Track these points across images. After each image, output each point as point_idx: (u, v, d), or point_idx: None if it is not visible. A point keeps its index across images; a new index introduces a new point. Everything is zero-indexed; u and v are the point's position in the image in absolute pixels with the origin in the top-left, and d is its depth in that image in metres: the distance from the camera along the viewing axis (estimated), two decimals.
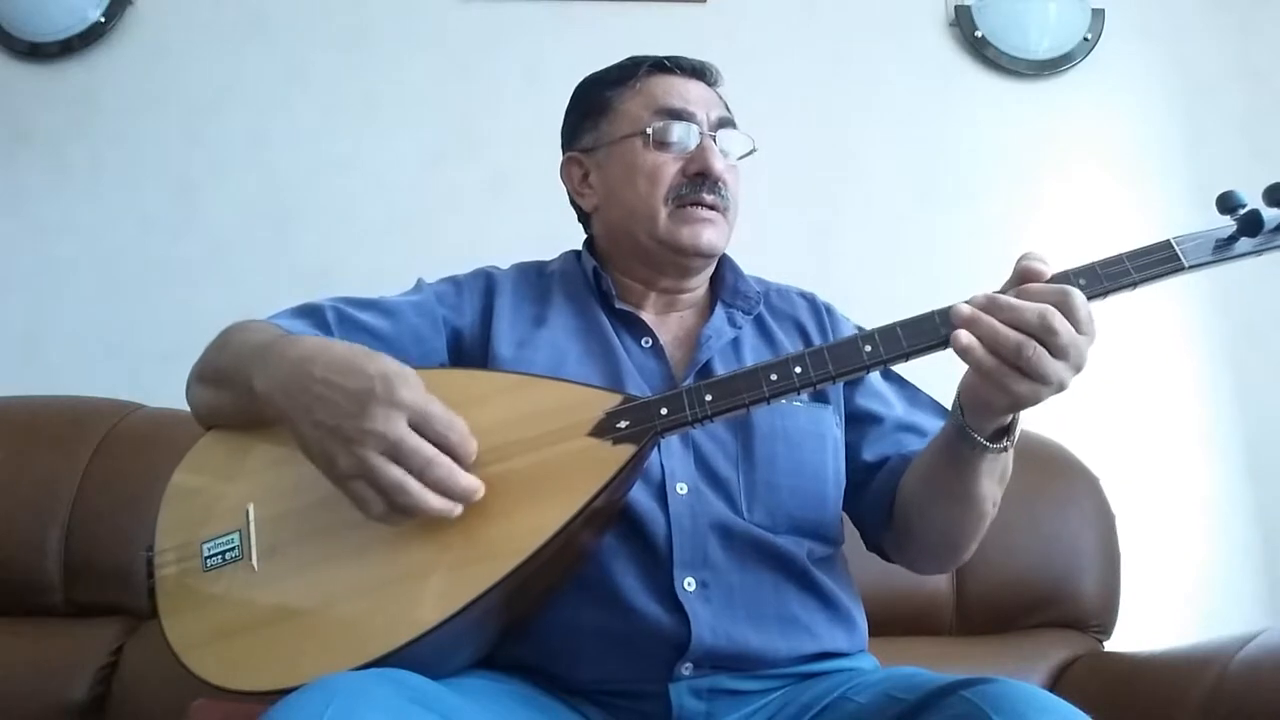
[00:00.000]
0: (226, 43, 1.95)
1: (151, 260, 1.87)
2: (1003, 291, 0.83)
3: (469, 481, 0.80)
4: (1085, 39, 1.98)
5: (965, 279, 1.92)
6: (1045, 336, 0.78)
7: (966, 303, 0.82)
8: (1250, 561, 1.85)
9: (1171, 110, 2.00)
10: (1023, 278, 0.84)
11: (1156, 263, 0.84)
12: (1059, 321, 0.77)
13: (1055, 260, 0.85)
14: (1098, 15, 1.99)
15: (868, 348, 0.85)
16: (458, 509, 0.80)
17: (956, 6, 2.00)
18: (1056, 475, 1.52)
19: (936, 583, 1.46)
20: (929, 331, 0.84)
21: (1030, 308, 0.78)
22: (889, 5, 2.01)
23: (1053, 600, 1.47)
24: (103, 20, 1.92)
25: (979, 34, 1.98)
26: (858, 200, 1.94)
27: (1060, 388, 0.80)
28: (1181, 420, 1.88)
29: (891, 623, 1.32)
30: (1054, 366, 0.78)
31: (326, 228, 1.89)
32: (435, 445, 0.79)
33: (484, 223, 1.89)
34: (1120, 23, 1.99)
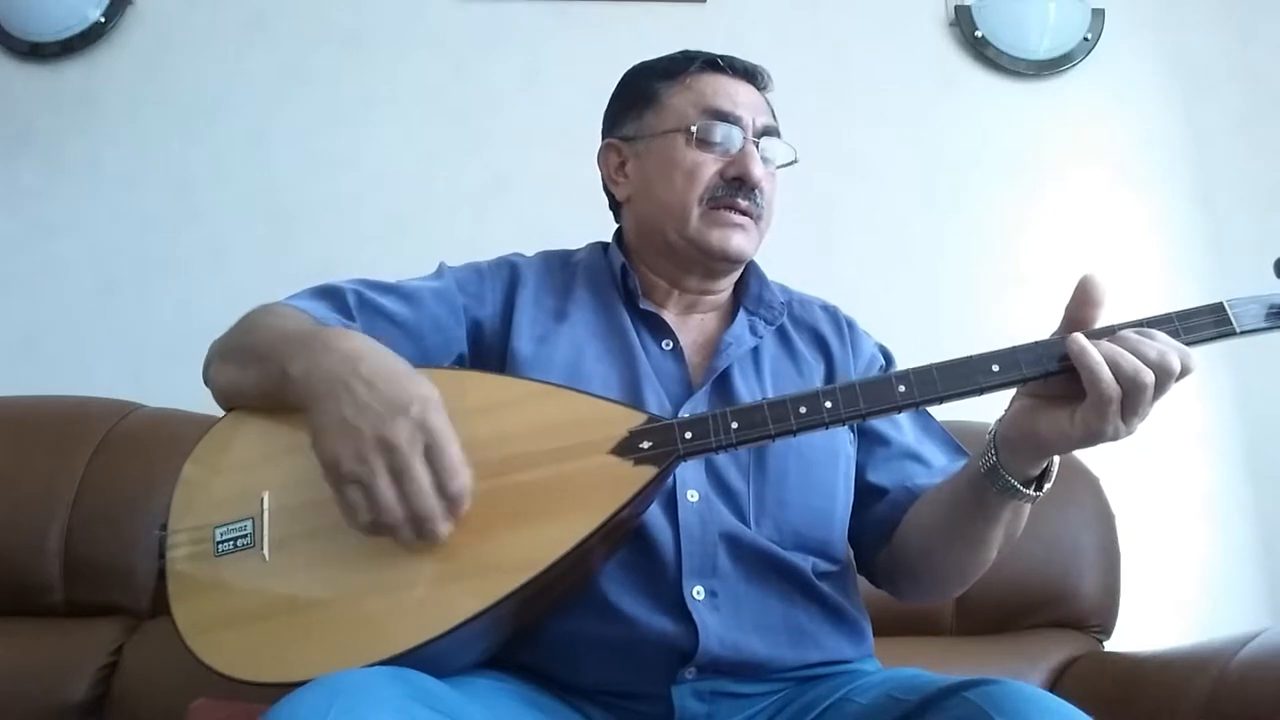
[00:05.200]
0: (226, 43, 1.95)
1: (151, 260, 1.87)
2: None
3: (442, 530, 0.80)
4: (1085, 39, 1.98)
5: (965, 278, 1.94)
6: (1161, 374, 0.77)
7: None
8: (1250, 561, 1.85)
9: (1171, 110, 2.00)
10: (1083, 296, 0.82)
11: (1207, 325, 0.83)
12: (1176, 363, 0.77)
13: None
14: (1098, 15, 1.99)
15: (901, 388, 0.83)
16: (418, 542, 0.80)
17: (956, 6, 2.00)
18: (1056, 475, 1.52)
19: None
20: (965, 378, 0.83)
21: (1151, 344, 0.78)
22: (889, 5, 2.01)
23: (1053, 600, 1.47)
24: (103, 20, 1.92)
25: (979, 34, 1.98)
26: (858, 200, 1.94)
27: (1124, 435, 0.79)
28: (1181, 420, 1.88)
29: (892, 623, 1.31)
30: (1149, 408, 0.78)
31: (326, 228, 1.89)
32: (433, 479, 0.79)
33: (483, 223, 1.89)
34: (1120, 23, 2.00)
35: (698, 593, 0.92)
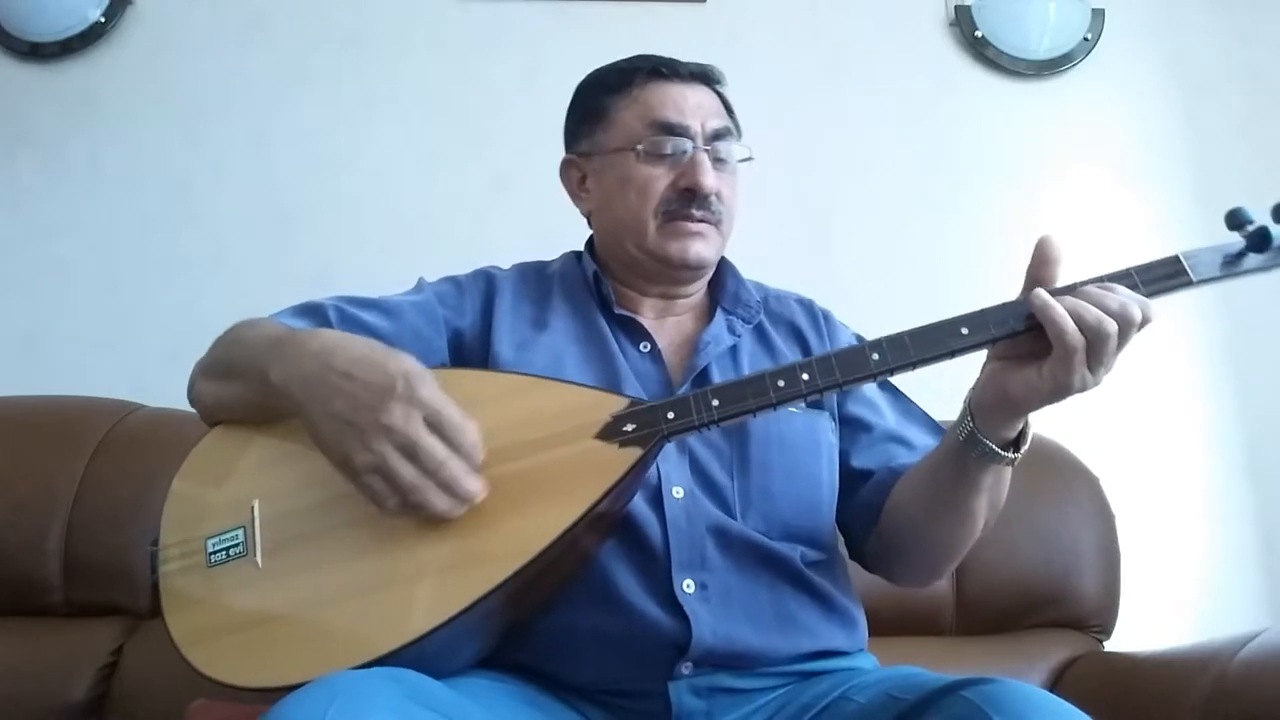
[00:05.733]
0: (226, 43, 1.95)
1: (151, 260, 1.87)
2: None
3: (474, 485, 0.81)
4: (1085, 39, 1.98)
5: (965, 278, 1.94)
6: (1123, 323, 0.80)
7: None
8: (1250, 561, 1.85)
9: (1171, 110, 2.00)
10: (1041, 256, 0.86)
11: (1164, 276, 0.86)
12: (1137, 313, 0.80)
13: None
14: (1098, 15, 1.99)
15: (875, 356, 0.85)
16: (461, 510, 0.81)
17: (956, 6, 2.00)
18: (1056, 475, 1.52)
19: (937, 583, 1.46)
20: (936, 342, 0.85)
21: (1112, 296, 0.81)
22: (889, 5, 2.01)
23: (1053, 600, 1.47)
24: (103, 20, 1.92)
25: (979, 34, 1.98)
26: (858, 200, 1.94)
27: (1091, 386, 0.82)
28: (1181, 420, 1.88)
29: (891, 623, 1.32)
30: (1113, 359, 0.80)
31: (326, 228, 1.89)
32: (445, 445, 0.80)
33: (484, 223, 1.89)
34: (1120, 23, 2.00)
35: (688, 586, 0.93)
